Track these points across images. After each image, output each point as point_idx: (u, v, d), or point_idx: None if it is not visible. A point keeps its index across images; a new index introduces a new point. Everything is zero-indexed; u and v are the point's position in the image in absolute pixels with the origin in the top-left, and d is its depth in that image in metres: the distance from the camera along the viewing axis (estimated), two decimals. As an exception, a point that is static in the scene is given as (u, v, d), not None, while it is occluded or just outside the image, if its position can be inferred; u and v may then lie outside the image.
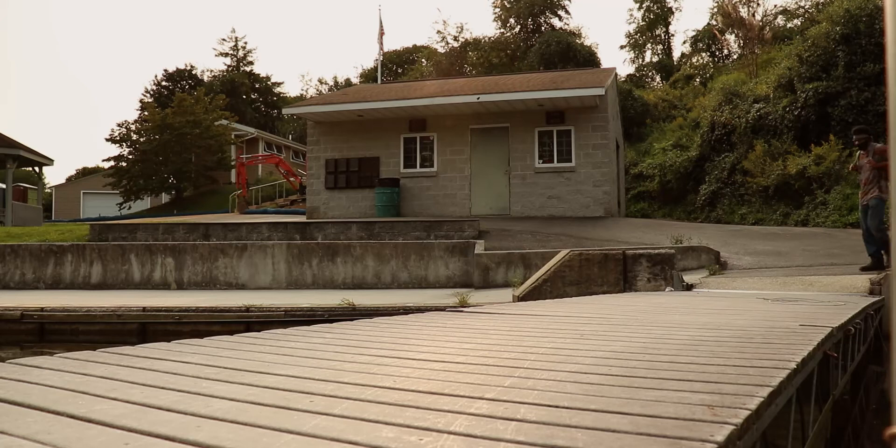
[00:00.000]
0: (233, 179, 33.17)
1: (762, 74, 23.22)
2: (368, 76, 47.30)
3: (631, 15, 45.04)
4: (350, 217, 17.23)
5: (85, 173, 49.59)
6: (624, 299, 5.76)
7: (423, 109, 17.05)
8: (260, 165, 33.83)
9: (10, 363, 2.13)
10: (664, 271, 7.16)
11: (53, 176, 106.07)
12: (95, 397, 1.63)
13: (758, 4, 34.66)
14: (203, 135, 31.15)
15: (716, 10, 33.24)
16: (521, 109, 16.80)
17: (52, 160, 22.88)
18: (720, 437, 1.24)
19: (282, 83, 56.98)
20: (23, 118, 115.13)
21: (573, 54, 31.92)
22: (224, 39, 53.82)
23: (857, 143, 8.50)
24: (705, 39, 34.37)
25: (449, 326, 3.44)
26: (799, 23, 30.61)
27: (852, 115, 16.91)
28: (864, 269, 7.99)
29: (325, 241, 11.56)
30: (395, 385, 1.80)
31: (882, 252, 8.08)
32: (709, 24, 34.90)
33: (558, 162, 16.66)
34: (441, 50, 38.88)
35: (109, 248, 11.35)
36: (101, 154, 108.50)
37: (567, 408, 1.51)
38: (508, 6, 37.18)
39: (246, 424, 1.37)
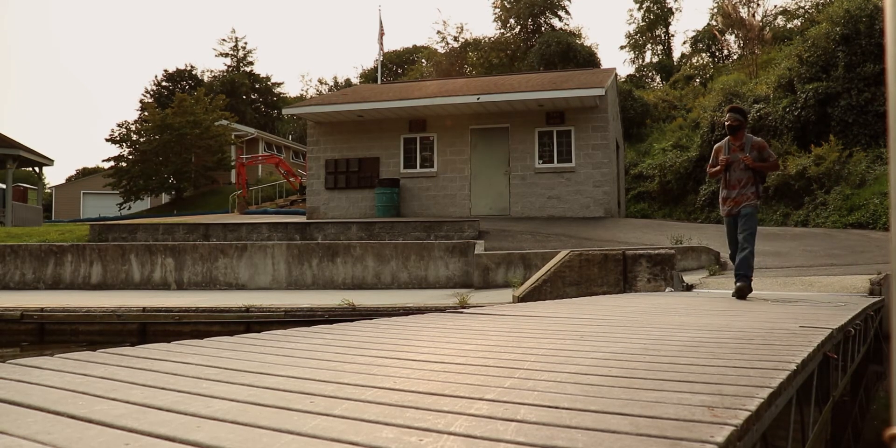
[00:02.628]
0: (233, 180, 33.18)
1: (762, 75, 23.24)
2: (368, 76, 47.31)
3: (631, 15, 45.17)
4: (350, 217, 17.23)
5: (85, 173, 49.60)
6: (624, 300, 5.76)
7: (423, 110, 17.05)
8: (260, 166, 33.84)
9: (10, 363, 2.13)
10: (664, 272, 7.16)
11: (53, 176, 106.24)
12: (95, 398, 1.63)
13: (758, 5, 34.71)
14: (203, 135, 31.15)
15: (716, 10, 33.28)
16: (521, 110, 16.80)
17: (52, 160, 22.88)
18: (720, 438, 1.25)
19: (282, 83, 57.00)
20: (23, 118, 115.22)
21: (573, 55, 31.93)
22: (224, 40, 53.90)
23: (728, 123, 6.19)
24: (705, 40, 34.40)
25: (449, 327, 3.44)
26: (799, 23, 30.64)
27: (852, 116, 16.93)
28: (740, 297, 5.90)
29: (325, 242, 11.56)
30: (395, 386, 1.80)
31: (742, 274, 6.01)
32: (709, 24, 34.95)
33: (558, 162, 16.66)
34: (441, 50, 38.89)
35: (109, 249, 11.34)
36: (101, 154, 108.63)
37: (567, 409, 1.51)
38: (508, 6, 37.19)
39: (246, 425, 1.37)
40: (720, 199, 6.41)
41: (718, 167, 6.34)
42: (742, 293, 5.87)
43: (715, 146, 6.52)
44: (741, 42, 30.37)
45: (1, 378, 1.88)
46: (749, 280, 6.01)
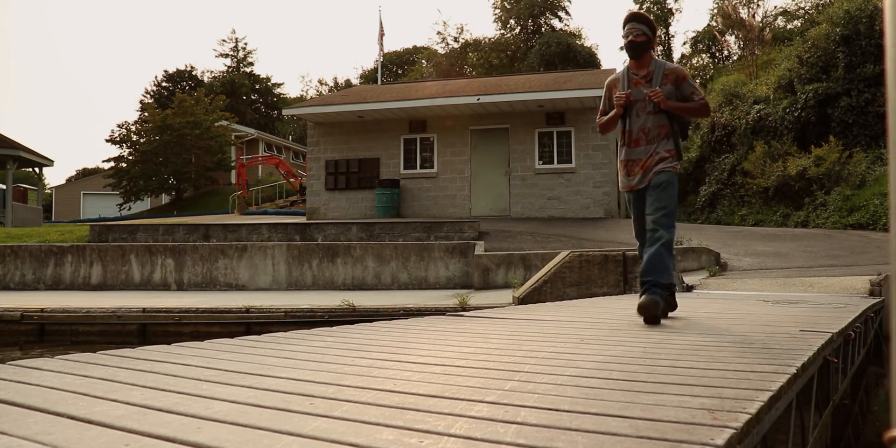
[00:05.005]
0: (233, 180, 33.18)
1: (762, 75, 23.24)
2: (368, 77, 47.31)
3: (631, 16, 45.10)
4: (350, 218, 17.23)
5: (85, 174, 49.62)
6: (624, 302, 5.76)
7: (423, 110, 17.06)
8: (260, 166, 33.85)
9: (10, 365, 2.13)
10: (664, 273, 7.15)
11: (53, 177, 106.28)
12: (96, 399, 1.63)
13: (758, 5, 34.66)
14: (203, 136, 31.16)
15: (716, 11, 33.27)
16: (521, 110, 16.80)
17: (52, 161, 22.88)
18: (720, 441, 1.25)
19: (282, 84, 57.07)
20: (23, 118, 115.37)
21: (573, 55, 31.96)
22: (224, 40, 53.97)
23: (629, 39, 3.94)
24: (705, 40, 34.40)
25: (449, 330, 3.44)
26: (799, 24, 30.65)
27: (852, 117, 16.93)
28: (649, 319, 3.66)
29: (325, 242, 11.56)
30: (395, 388, 1.80)
31: (652, 282, 3.77)
32: (709, 25, 34.94)
33: (558, 163, 16.66)
34: (441, 51, 38.92)
35: (109, 249, 11.34)
36: (101, 155, 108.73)
37: (567, 411, 1.51)
38: (508, 7, 37.21)
39: (246, 426, 1.37)
40: (619, 165, 4.11)
41: (613, 112, 4.02)
42: (651, 313, 3.61)
43: (607, 81, 4.15)
44: (741, 43, 30.38)
45: (1, 379, 1.88)
46: (665, 292, 3.81)
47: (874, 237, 12.67)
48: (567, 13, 37.84)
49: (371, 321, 4.09)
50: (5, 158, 20.81)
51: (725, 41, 33.01)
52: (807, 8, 31.31)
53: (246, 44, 62.59)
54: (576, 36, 36.49)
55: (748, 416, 1.45)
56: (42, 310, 7.72)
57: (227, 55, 52.55)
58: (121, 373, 2.02)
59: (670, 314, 4.10)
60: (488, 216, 16.52)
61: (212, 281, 11.08)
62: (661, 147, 4.00)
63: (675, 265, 4.09)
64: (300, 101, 47.79)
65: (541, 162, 16.78)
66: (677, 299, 4.21)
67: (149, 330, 7.60)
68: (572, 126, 16.62)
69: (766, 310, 4.79)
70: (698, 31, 35.39)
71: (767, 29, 30.00)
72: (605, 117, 4.12)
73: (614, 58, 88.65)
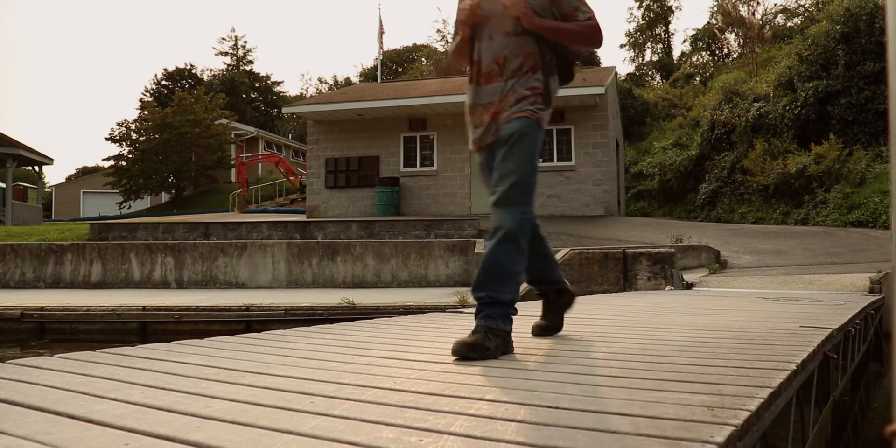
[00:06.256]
0: (233, 178, 33.17)
1: (762, 73, 23.23)
2: (368, 75, 47.27)
3: (631, 14, 45.08)
4: (350, 216, 17.23)
5: (85, 172, 49.59)
6: (624, 299, 5.76)
7: (422, 108, 17.05)
8: (260, 164, 33.83)
9: (9, 363, 2.13)
10: (664, 270, 7.16)
11: (53, 175, 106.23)
12: (95, 398, 1.63)
13: (758, 3, 34.63)
14: (203, 134, 31.16)
15: (716, 8, 33.24)
16: (521, 108, 16.78)
17: (52, 159, 22.89)
18: (720, 438, 1.24)
19: (282, 82, 57.01)
20: (23, 118, 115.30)
21: (573, 53, 31.90)
22: (224, 39, 53.93)
23: None
24: (705, 38, 34.38)
25: (449, 327, 3.44)
26: (799, 21, 30.61)
27: (852, 114, 16.92)
28: (470, 352, 2.26)
29: (326, 240, 11.55)
30: (395, 386, 1.80)
31: (489, 299, 2.43)
32: (709, 22, 34.93)
33: (558, 161, 16.66)
34: (441, 49, 38.90)
35: (109, 248, 11.34)
36: (101, 153, 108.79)
37: (567, 409, 1.51)
38: (508, 5, 37.15)
39: (246, 425, 1.37)
40: (466, 110, 2.78)
41: (460, 35, 2.75)
42: (465, 355, 2.27)
43: None
44: (741, 40, 30.37)
45: (1, 378, 1.88)
46: (502, 317, 2.44)
47: (874, 235, 12.67)
48: (567, 11, 37.79)
49: (371, 319, 4.09)
50: (5, 157, 20.80)
51: (725, 39, 33.00)
52: (807, 5, 31.28)
53: (245, 42, 62.69)
54: (575, 34, 36.39)
55: (748, 413, 1.44)
56: (42, 308, 7.71)
57: (226, 53, 52.53)
58: (120, 371, 2.02)
59: (670, 309, 4.12)
60: (488, 214, 16.44)
61: (212, 279, 11.07)
62: (522, 84, 2.65)
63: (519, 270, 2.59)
64: (300, 99, 47.75)
65: (541, 160, 16.76)
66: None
67: (149, 328, 7.59)
68: (572, 124, 16.61)
69: (765, 307, 4.79)
70: (698, 29, 35.39)
71: (767, 27, 29.98)
72: (454, 44, 2.85)
73: (614, 56, 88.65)
